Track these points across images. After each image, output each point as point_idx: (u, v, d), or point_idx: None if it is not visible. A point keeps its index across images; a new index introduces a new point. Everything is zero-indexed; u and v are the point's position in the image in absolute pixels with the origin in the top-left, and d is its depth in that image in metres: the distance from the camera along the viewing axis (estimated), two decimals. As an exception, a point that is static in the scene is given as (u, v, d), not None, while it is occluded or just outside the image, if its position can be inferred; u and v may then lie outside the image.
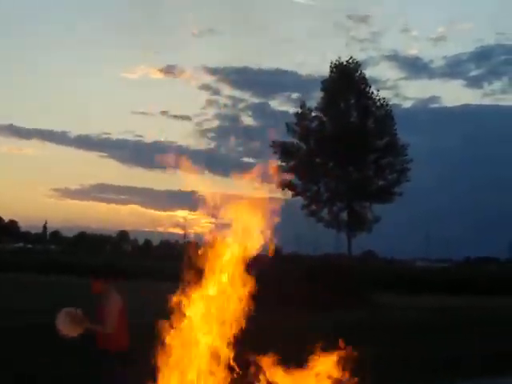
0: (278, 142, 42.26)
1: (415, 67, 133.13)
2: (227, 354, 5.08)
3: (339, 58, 45.11)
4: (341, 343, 5.13)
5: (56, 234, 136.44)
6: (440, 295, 32.03)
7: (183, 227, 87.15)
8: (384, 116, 44.58)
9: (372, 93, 45.00)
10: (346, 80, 44.07)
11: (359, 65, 45.33)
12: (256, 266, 5.36)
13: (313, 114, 45.46)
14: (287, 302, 19.00)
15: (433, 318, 18.94)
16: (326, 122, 45.27)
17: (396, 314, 19.56)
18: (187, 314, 5.19)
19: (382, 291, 28.24)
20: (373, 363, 9.44)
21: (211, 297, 5.24)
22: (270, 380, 5.08)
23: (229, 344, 5.08)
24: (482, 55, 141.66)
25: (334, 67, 44.87)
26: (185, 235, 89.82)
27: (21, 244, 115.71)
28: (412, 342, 13.01)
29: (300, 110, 45.12)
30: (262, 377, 5.08)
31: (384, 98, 45.05)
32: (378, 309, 21.70)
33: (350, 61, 44.98)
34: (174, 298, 5.20)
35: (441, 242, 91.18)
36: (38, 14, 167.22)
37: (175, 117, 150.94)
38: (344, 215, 44.71)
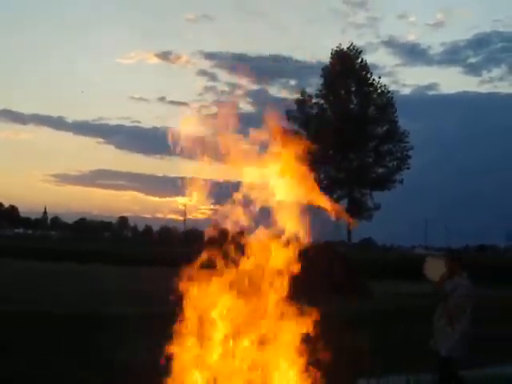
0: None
1: (413, 54, 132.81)
2: None
3: (340, 44, 44.93)
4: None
5: (56, 220, 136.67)
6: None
7: (183, 213, 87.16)
8: (385, 103, 44.45)
9: (373, 80, 44.86)
10: (347, 67, 43.89)
11: (360, 52, 45.14)
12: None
13: (313, 101, 45.34)
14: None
15: (428, 306, 18.95)
16: (327, 108, 45.14)
17: (393, 302, 19.58)
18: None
19: (380, 279, 28.31)
20: (371, 352, 9.47)
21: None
22: None
23: None
24: (480, 42, 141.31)
25: (335, 54, 44.66)
26: (184, 221, 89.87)
27: (21, 230, 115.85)
28: (407, 330, 13.04)
29: (300, 97, 44.96)
30: None
31: (385, 85, 44.96)
32: (374, 297, 21.74)
33: (351, 47, 44.79)
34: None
35: (440, 230, 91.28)
36: (35, 1, 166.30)
37: (172, 102, 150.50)
38: (344, 202, 44.71)
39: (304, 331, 5.30)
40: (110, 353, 9.02)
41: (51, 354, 9.37)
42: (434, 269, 6.27)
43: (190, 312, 5.21)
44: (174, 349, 5.15)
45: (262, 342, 5.21)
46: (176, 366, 5.16)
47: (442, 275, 6.25)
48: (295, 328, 5.30)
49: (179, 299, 5.16)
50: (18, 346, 9.89)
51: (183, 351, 5.17)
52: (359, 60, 44.70)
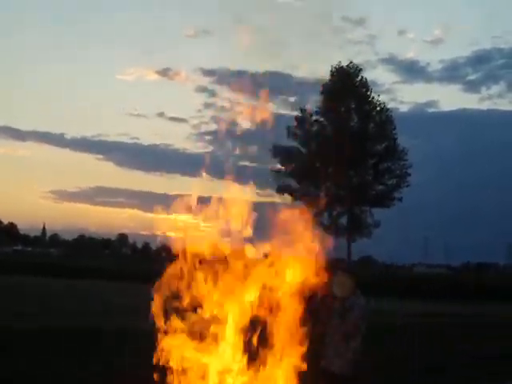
0: (278, 145, 42.15)
1: (412, 71, 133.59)
2: None
3: (340, 62, 45.17)
4: None
5: (55, 237, 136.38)
6: (434, 301, 32.12)
7: (183, 231, 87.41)
8: (384, 120, 44.59)
9: (372, 97, 45.03)
10: (347, 84, 44.07)
11: (360, 69, 45.35)
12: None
13: (313, 118, 45.47)
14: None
15: (424, 324, 18.95)
16: (327, 125, 45.26)
17: (392, 320, 19.49)
18: None
19: (380, 297, 28.17)
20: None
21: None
22: None
23: None
24: (479, 59, 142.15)
25: (335, 71, 44.88)
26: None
27: (19, 247, 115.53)
28: (404, 349, 12.96)
29: (300, 114, 45.09)
30: None
31: (384, 103, 45.15)
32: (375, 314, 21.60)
33: (351, 65, 45.02)
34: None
35: (440, 247, 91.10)
36: (34, 16, 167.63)
37: (172, 119, 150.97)
38: (344, 220, 44.67)
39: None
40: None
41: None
42: (341, 285, 6.23)
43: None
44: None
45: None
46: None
47: (347, 291, 6.17)
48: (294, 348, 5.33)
49: None
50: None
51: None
52: (359, 78, 44.92)
